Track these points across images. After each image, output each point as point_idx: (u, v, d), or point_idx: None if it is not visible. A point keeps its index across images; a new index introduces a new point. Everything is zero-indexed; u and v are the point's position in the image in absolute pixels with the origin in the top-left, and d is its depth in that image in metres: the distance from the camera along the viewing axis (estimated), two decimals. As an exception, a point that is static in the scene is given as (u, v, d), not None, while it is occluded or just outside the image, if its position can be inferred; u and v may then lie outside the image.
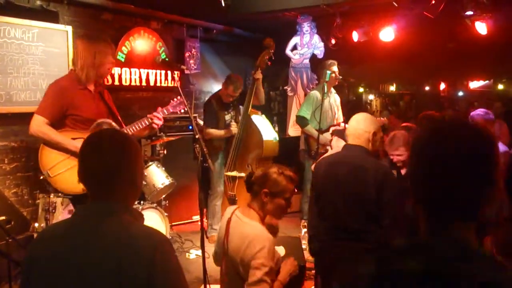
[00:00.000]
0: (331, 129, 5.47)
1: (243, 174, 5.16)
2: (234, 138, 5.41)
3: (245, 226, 2.65)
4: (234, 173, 5.38)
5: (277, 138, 5.65)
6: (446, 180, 1.14)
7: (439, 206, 1.16)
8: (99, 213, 1.60)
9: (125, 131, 3.64)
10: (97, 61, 3.60)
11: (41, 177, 3.56)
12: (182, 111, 4.00)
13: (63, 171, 3.45)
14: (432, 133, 1.22)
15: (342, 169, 3.01)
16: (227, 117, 5.60)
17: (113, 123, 3.63)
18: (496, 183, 1.15)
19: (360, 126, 3.07)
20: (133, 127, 3.74)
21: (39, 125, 3.49)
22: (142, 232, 1.59)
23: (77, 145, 3.42)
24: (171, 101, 3.94)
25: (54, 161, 3.47)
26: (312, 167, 3.54)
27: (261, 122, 5.59)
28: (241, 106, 5.58)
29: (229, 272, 2.68)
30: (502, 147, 4.34)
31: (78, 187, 3.36)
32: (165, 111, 3.86)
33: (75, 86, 3.60)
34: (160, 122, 3.82)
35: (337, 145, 4.10)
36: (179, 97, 3.90)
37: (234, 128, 5.41)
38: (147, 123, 3.78)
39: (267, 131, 5.54)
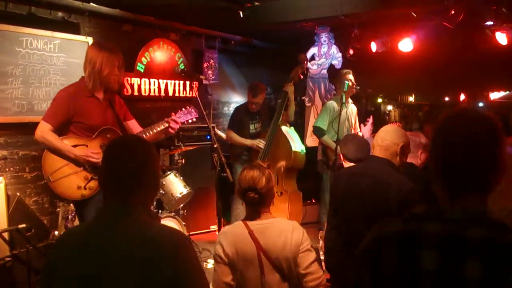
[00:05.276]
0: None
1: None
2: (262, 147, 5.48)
3: (275, 224, 2.59)
4: None
5: (305, 151, 5.68)
6: (460, 158, 1.37)
7: (453, 180, 1.38)
8: (121, 214, 1.64)
9: (142, 135, 3.67)
10: (102, 70, 3.55)
11: (43, 182, 3.57)
12: (190, 121, 3.96)
13: (63, 177, 3.46)
14: (448, 121, 1.45)
15: (365, 181, 2.83)
16: (252, 126, 5.70)
17: (118, 131, 3.64)
18: (501, 159, 1.36)
19: (389, 137, 2.87)
20: (150, 131, 3.74)
21: (43, 131, 3.50)
22: (163, 231, 1.65)
23: (76, 152, 3.44)
24: (182, 109, 3.91)
25: (56, 166, 3.46)
26: None
27: (290, 133, 5.66)
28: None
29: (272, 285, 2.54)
30: None
31: (77, 193, 3.45)
32: (177, 118, 3.83)
33: (82, 93, 3.59)
34: (177, 126, 3.79)
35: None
36: (189, 107, 3.91)
37: (259, 143, 5.49)
38: (164, 126, 3.77)
39: (296, 143, 5.60)
